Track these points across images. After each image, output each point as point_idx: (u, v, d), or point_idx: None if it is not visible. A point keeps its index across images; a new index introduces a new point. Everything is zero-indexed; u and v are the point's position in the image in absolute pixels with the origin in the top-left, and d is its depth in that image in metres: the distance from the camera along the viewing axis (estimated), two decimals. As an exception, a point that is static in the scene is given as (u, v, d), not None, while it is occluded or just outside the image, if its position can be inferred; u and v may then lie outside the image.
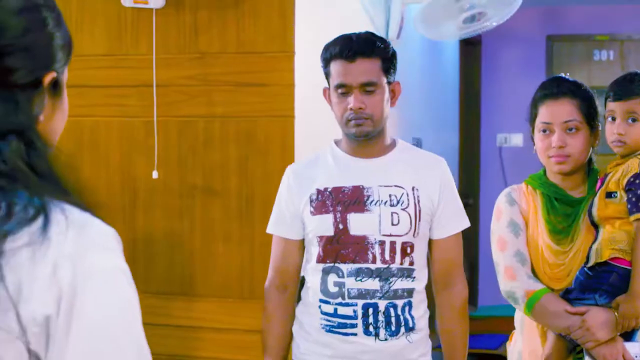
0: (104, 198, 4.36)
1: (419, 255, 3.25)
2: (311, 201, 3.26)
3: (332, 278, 3.22)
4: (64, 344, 1.32)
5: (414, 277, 3.23)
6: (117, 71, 4.34)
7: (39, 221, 1.34)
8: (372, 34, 3.28)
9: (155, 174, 4.23)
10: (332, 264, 3.22)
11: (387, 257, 3.18)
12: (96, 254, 1.39)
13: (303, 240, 3.35)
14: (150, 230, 4.32)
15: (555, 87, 3.26)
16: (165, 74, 4.26)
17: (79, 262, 1.35)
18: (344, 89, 3.20)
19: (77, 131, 4.38)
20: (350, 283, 3.19)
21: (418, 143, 6.44)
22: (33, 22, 1.44)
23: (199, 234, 4.26)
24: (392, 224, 3.18)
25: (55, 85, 1.49)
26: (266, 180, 4.12)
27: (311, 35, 4.24)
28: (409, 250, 3.21)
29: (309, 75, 4.16)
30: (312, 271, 3.28)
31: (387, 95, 3.23)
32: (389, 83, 3.24)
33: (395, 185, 3.23)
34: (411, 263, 3.22)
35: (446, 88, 8.04)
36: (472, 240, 8.26)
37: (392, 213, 3.19)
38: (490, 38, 8.97)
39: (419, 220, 3.22)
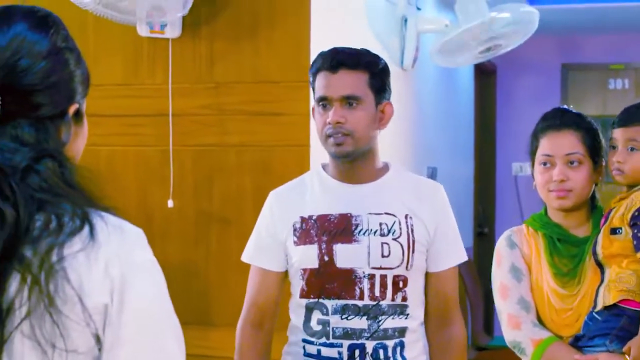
0: (119, 227, 4.36)
1: (414, 290, 2.96)
2: (294, 230, 2.97)
3: (316, 315, 2.93)
4: (117, 326, 1.62)
5: (408, 315, 2.94)
6: (133, 100, 4.37)
7: (86, 228, 1.62)
8: (366, 50, 3.05)
9: (170, 203, 4.24)
10: (315, 300, 2.92)
11: (376, 292, 2.88)
12: (136, 251, 1.68)
13: (284, 273, 3.05)
14: (166, 259, 4.32)
15: (557, 119, 3.11)
16: (181, 104, 4.28)
17: (124, 259, 1.64)
18: (325, 102, 2.92)
19: (94, 160, 4.39)
20: (335, 321, 2.89)
21: (433, 172, 6.44)
22: (57, 64, 1.71)
23: (214, 263, 4.26)
24: (383, 256, 2.89)
25: (77, 113, 1.76)
26: (281, 209, 4.11)
27: (326, 64, 4.25)
28: (401, 284, 2.92)
29: (324, 104, 4.17)
30: (295, 307, 3.01)
31: (373, 113, 2.93)
32: (378, 102, 2.95)
33: (387, 213, 2.94)
34: (404, 299, 2.92)
35: (461, 117, 8.03)
36: (488, 269, 8.23)
37: (382, 243, 2.90)
38: (505, 66, 8.98)
39: (413, 251, 2.92)
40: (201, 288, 4.27)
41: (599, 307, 2.90)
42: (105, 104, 4.38)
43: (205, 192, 4.28)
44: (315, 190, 3.02)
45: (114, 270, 1.62)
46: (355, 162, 2.96)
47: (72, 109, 1.74)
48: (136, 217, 4.35)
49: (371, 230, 2.91)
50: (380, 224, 2.92)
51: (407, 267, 2.92)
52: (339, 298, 2.89)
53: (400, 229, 2.92)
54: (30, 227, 1.58)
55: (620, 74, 9.11)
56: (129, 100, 4.38)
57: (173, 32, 4.19)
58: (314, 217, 2.95)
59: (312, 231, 2.93)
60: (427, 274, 3.02)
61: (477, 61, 5.61)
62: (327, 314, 2.90)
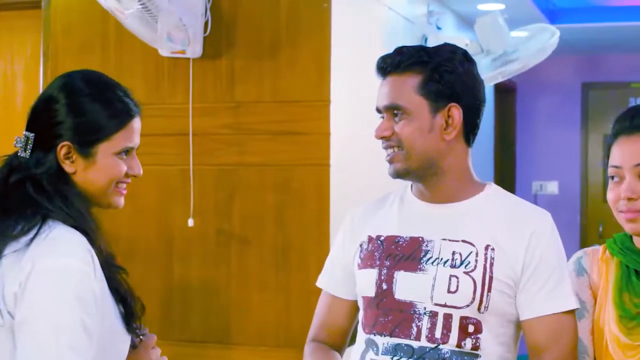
0: (141, 246, 4.38)
1: (492, 339, 2.38)
2: (360, 251, 2.54)
3: (369, 355, 2.45)
4: (20, 311, 2.02)
5: None
6: (154, 120, 4.37)
7: (31, 234, 2.06)
8: (422, 47, 2.51)
9: (191, 222, 4.25)
10: (369, 335, 2.46)
11: (437, 334, 2.36)
12: (52, 256, 2.03)
13: (355, 302, 2.60)
14: (187, 278, 4.33)
15: (628, 120, 2.40)
16: (201, 123, 4.29)
17: (36, 262, 2.02)
18: (380, 114, 2.52)
19: (115, 179, 4.41)
20: None
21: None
22: (44, 111, 2.20)
23: (235, 282, 4.26)
24: (449, 291, 2.37)
25: (84, 149, 2.17)
26: (302, 229, 4.12)
27: (347, 84, 4.26)
28: (471, 329, 2.37)
29: (344, 123, 4.18)
30: (358, 342, 2.53)
31: (428, 122, 2.42)
32: (437, 108, 2.43)
33: (464, 241, 2.41)
34: (475, 347, 2.36)
35: (481, 135, 8.01)
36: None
37: (450, 276, 2.38)
38: (525, 85, 8.98)
39: (489, 290, 2.36)
40: (221, 307, 4.27)
41: None
42: (126, 123, 4.40)
43: (226, 212, 4.28)
44: (393, 208, 2.57)
45: (26, 267, 2.02)
46: (426, 181, 2.49)
47: (60, 147, 2.15)
48: (157, 236, 4.37)
49: (441, 259, 2.41)
50: (453, 253, 2.41)
51: (479, 309, 2.37)
52: (391, 335, 2.41)
53: (477, 261, 2.39)
54: None
55: (641, 93, 9.08)
56: (150, 120, 4.37)
57: (194, 51, 4.20)
58: (382, 238, 2.51)
59: (376, 253, 2.49)
60: (521, 323, 2.44)
61: (494, 81, 5.61)
62: (377, 354, 2.43)
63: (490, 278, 2.37)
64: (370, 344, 2.44)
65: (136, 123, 2.29)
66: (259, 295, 4.23)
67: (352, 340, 2.60)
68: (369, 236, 2.53)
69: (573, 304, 2.40)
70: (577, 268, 2.51)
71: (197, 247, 4.32)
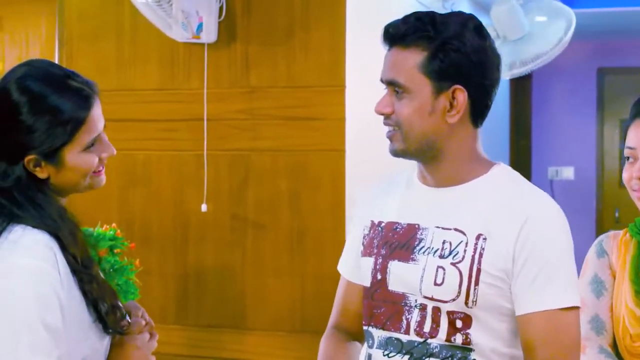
0: (155, 231, 4.39)
1: (485, 334, 2.20)
2: (364, 237, 2.39)
3: (366, 349, 2.35)
4: None
5: None
6: (168, 105, 4.38)
7: None
8: (431, 16, 2.24)
9: (204, 207, 4.25)
10: (367, 327, 2.34)
11: (425, 327, 2.21)
12: (9, 258, 2.01)
13: None
14: (202, 264, 4.34)
15: None
16: (216, 108, 4.29)
17: None
18: (383, 84, 2.31)
19: (130, 164, 4.42)
20: (377, 357, 2.29)
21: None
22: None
23: (250, 267, 4.27)
24: (435, 283, 2.20)
25: (50, 157, 2.11)
26: (317, 214, 4.12)
27: (362, 69, 4.25)
28: (459, 324, 2.20)
29: (359, 109, 4.17)
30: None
31: (429, 103, 2.21)
32: (440, 89, 2.21)
33: (456, 229, 2.22)
34: (466, 342, 2.19)
35: (496, 121, 8.01)
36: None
37: (437, 267, 2.20)
38: (541, 71, 8.92)
39: (476, 283, 2.17)
40: (236, 292, 4.28)
41: None
42: (141, 109, 4.40)
43: (240, 197, 4.28)
44: (398, 191, 2.39)
45: None
46: (426, 163, 2.31)
47: (27, 161, 2.11)
48: (172, 221, 4.37)
49: (432, 248, 2.23)
50: (444, 242, 2.23)
51: (466, 303, 2.18)
52: (383, 329, 2.28)
53: (465, 251, 2.19)
54: None
55: (657, 78, 9.05)
56: (165, 105, 4.40)
57: (209, 37, 4.20)
58: (383, 224, 2.35)
59: (375, 241, 2.34)
60: (516, 319, 2.21)
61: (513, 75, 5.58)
62: (372, 347, 2.31)
63: (478, 270, 2.16)
64: (368, 336, 2.32)
65: (95, 112, 2.16)
66: (274, 281, 4.23)
67: None
68: (372, 221, 2.38)
69: (569, 301, 2.15)
70: (598, 250, 2.53)
71: (212, 232, 4.32)
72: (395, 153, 2.27)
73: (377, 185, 2.48)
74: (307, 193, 4.17)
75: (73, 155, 2.14)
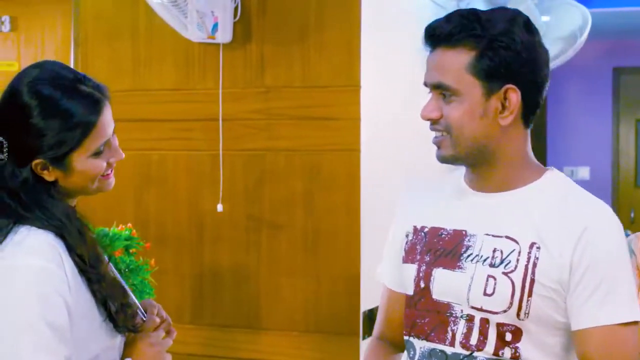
0: (171, 231, 4.39)
1: (535, 348, 2.12)
2: (406, 242, 2.31)
3: (406, 358, 2.28)
4: None
5: None
6: (184, 105, 4.38)
7: (2, 239, 2.06)
8: (475, 14, 2.16)
9: (220, 207, 4.25)
10: (408, 337, 2.26)
11: (472, 340, 2.12)
12: (12, 258, 2.02)
13: None
14: (217, 264, 4.34)
15: None
16: (231, 108, 4.29)
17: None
18: (427, 88, 2.22)
19: (144, 165, 4.42)
20: None
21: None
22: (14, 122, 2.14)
23: (265, 267, 4.27)
24: (485, 294, 2.11)
25: (58, 162, 2.12)
26: (332, 215, 4.11)
27: (377, 68, 4.24)
28: (509, 337, 2.10)
29: (375, 108, 4.17)
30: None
31: (480, 105, 2.13)
32: (491, 90, 2.13)
33: (507, 237, 2.13)
34: (515, 356, 2.10)
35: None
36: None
37: (488, 276, 2.11)
38: (556, 70, 8.90)
39: (529, 294, 2.08)
40: (252, 292, 4.28)
41: None
42: (156, 109, 4.41)
43: (256, 197, 4.28)
44: (443, 195, 2.31)
45: None
46: (476, 168, 2.23)
47: (35, 165, 2.13)
48: (187, 222, 4.38)
49: (481, 257, 2.14)
50: (494, 251, 2.13)
51: (518, 315, 2.10)
52: (427, 339, 2.20)
53: (518, 260, 2.10)
54: None
55: (673, 78, 9.02)
56: (180, 105, 4.40)
57: (224, 37, 4.20)
58: (426, 229, 2.27)
59: (417, 247, 2.26)
60: (572, 334, 2.13)
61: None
62: (413, 358, 2.23)
63: (532, 281, 2.08)
64: (409, 347, 2.24)
65: (105, 117, 2.16)
66: (289, 281, 4.23)
67: None
68: (414, 226, 2.29)
69: (630, 315, 2.08)
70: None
71: (227, 232, 4.33)
72: (444, 159, 2.19)
73: (418, 187, 2.42)
74: (322, 193, 4.17)
75: (81, 160, 2.15)
